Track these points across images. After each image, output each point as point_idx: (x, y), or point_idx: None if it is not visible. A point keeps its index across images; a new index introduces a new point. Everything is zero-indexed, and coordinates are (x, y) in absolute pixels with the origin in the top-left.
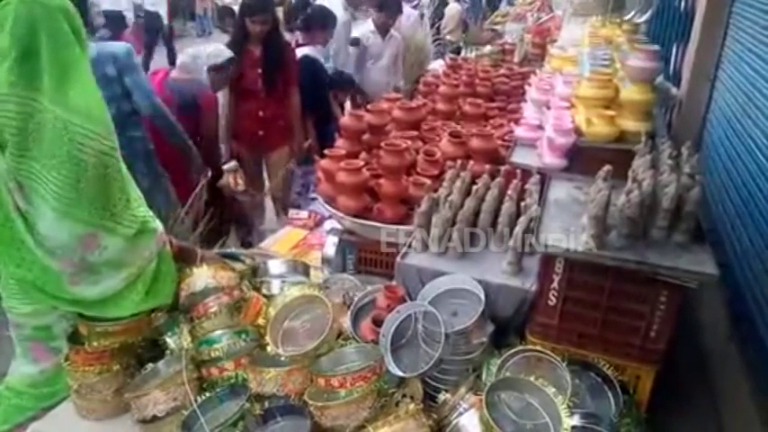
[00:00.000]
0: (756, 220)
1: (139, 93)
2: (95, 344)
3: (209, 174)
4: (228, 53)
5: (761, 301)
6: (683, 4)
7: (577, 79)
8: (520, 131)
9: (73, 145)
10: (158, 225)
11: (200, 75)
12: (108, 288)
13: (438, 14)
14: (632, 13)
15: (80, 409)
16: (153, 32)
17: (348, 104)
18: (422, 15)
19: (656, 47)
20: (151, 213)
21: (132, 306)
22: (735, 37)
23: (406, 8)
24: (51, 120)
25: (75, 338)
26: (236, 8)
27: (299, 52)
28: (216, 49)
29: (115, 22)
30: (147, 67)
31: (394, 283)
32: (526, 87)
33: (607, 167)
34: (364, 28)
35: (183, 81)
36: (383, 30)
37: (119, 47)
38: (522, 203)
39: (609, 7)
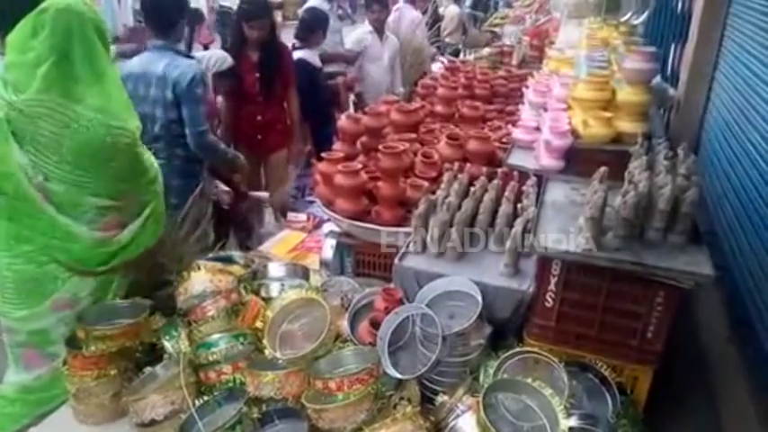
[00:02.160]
0: (754, 221)
1: (191, 126)
2: (93, 348)
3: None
4: (231, 60)
5: (759, 303)
6: (680, 5)
7: (574, 81)
8: (517, 133)
9: (107, 143)
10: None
11: None
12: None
13: (434, 17)
14: (629, 14)
15: (78, 414)
16: (227, 27)
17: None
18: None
19: (652, 48)
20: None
21: (153, 234)
22: (732, 38)
23: (411, 11)
24: (85, 123)
25: (73, 343)
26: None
27: (295, 56)
28: (222, 55)
29: (192, 18)
30: None
31: (392, 285)
32: (524, 90)
33: (603, 169)
34: (362, 30)
35: None
36: (379, 28)
37: (183, 73)
38: (519, 205)
39: (602, 9)
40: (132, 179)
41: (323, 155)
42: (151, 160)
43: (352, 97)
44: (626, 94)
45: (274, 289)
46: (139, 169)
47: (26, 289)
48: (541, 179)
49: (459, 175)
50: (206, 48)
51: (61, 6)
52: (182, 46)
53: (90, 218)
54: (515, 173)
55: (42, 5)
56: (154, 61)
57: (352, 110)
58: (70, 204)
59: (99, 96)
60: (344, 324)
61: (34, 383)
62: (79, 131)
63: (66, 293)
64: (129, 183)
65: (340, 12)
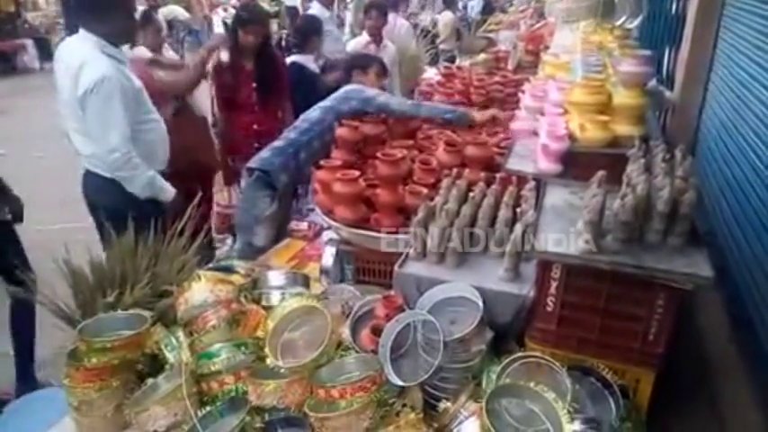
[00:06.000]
0: (753, 222)
1: None
2: (95, 360)
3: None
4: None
5: (759, 302)
6: (674, 8)
7: (570, 85)
8: (515, 125)
9: None
10: None
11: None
12: None
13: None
14: (623, 18)
15: (81, 427)
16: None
17: None
18: (415, 26)
19: (647, 52)
20: None
21: None
22: (726, 40)
23: (399, 18)
24: None
25: (74, 355)
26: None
27: (289, 60)
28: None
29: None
30: None
31: (392, 292)
32: (520, 95)
33: (601, 172)
34: (360, 39)
35: None
36: (376, 36)
37: None
38: (518, 210)
39: (597, 12)
40: None
41: (321, 163)
42: None
43: None
44: (622, 97)
45: (275, 298)
46: None
47: None
48: (540, 183)
49: (458, 181)
50: None
51: None
52: None
53: None
54: (514, 177)
55: None
56: None
57: None
58: None
59: None
60: (346, 332)
61: None
62: None
63: None
64: None
65: (338, 20)
